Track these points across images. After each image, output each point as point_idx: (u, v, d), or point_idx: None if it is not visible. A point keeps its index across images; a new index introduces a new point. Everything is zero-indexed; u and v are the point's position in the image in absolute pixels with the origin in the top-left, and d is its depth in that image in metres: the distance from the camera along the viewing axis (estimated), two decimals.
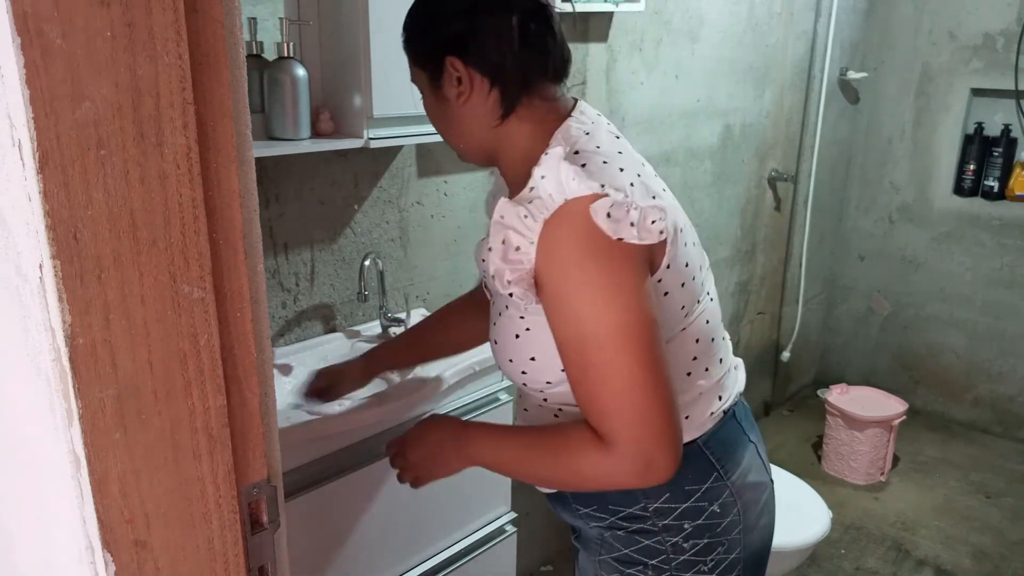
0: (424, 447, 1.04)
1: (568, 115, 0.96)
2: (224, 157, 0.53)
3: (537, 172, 0.88)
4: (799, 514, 1.95)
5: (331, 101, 1.43)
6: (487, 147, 0.99)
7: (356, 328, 1.62)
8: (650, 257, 0.88)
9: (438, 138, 1.52)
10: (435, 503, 1.48)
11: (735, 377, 1.07)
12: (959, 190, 3.05)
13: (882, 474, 2.81)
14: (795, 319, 3.18)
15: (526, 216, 0.85)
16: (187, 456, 0.54)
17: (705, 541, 1.00)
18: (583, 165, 0.87)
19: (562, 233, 0.84)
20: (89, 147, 0.46)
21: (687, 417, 0.97)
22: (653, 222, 0.85)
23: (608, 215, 0.82)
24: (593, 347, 0.84)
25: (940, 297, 3.21)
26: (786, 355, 3.18)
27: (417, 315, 1.72)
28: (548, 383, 0.96)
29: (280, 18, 1.33)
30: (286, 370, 1.46)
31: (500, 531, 1.63)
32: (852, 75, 3.04)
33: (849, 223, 3.39)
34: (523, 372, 0.97)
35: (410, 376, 1.43)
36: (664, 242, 0.88)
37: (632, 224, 0.83)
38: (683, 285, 0.93)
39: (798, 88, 2.89)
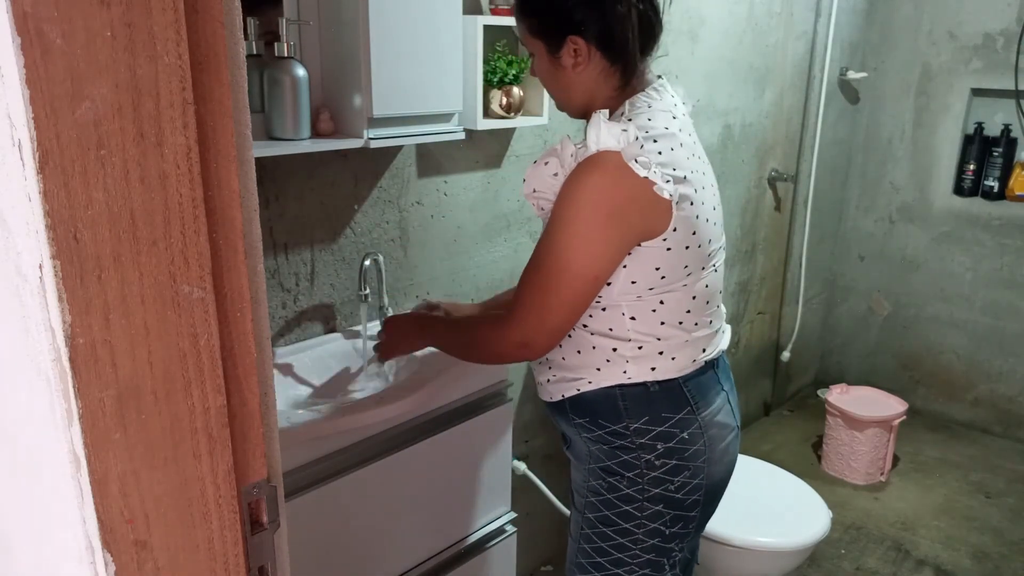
0: (400, 326, 1.33)
1: (644, 88, 1.17)
2: (224, 157, 0.53)
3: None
4: (799, 514, 1.95)
5: (331, 101, 1.43)
6: (584, 105, 1.19)
7: (356, 328, 1.62)
8: (652, 224, 1.08)
9: (438, 138, 1.53)
10: (435, 503, 1.48)
11: (721, 339, 1.27)
12: (959, 190, 3.05)
13: (882, 474, 2.81)
14: (795, 319, 3.18)
15: (572, 155, 1.08)
16: (187, 456, 0.54)
17: (673, 462, 1.20)
18: (624, 131, 1.05)
19: (584, 171, 1.06)
20: (89, 147, 0.46)
21: (673, 358, 1.18)
22: (667, 181, 1.05)
23: (636, 160, 1.04)
24: (539, 256, 1.10)
25: (940, 297, 3.21)
26: (786, 355, 3.18)
27: None
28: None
29: (280, 18, 1.33)
30: (286, 370, 1.46)
31: (500, 531, 1.63)
32: (852, 75, 3.04)
33: (849, 223, 3.39)
34: None
35: (410, 376, 1.43)
36: (670, 209, 1.07)
37: (637, 162, 1.04)
38: (687, 248, 1.12)
39: (798, 88, 2.89)
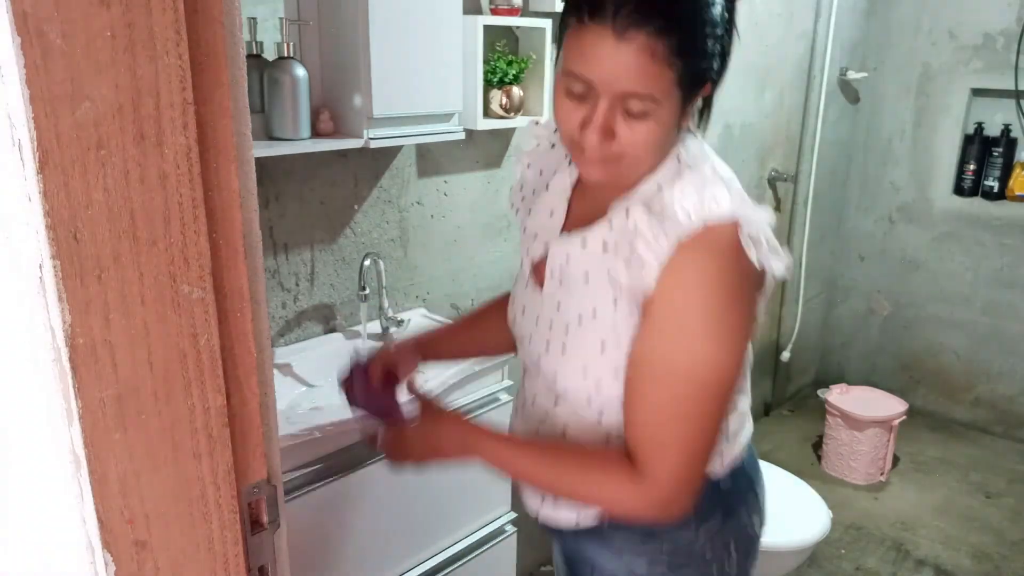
0: (427, 438, 0.98)
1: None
2: (224, 157, 0.53)
3: (659, 180, 0.84)
4: (799, 514, 1.95)
5: (331, 101, 1.43)
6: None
7: (356, 328, 1.62)
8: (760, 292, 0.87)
9: (438, 138, 1.53)
10: (435, 503, 1.48)
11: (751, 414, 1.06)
12: (959, 190, 3.05)
13: (882, 474, 2.81)
14: (795, 319, 3.18)
15: (659, 236, 0.80)
16: (187, 456, 0.54)
17: (737, 555, 0.99)
18: (718, 187, 0.82)
19: (697, 257, 0.80)
20: (89, 147, 0.46)
21: (728, 443, 0.97)
22: (780, 252, 0.83)
23: (751, 242, 0.80)
24: (678, 377, 0.81)
25: (940, 297, 3.21)
26: (786, 355, 3.18)
27: (417, 315, 1.72)
28: (597, 393, 0.90)
29: (280, 18, 1.33)
30: (286, 370, 1.46)
31: (500, 531, 1.63)
32: (852, 75, 3.04)
33: (849, 223, 3.39)
34: (595, 386, 0.90)
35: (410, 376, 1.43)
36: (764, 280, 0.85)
37: (770, 253, 0.81)
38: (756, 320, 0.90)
39: (798, 88, 2.89)
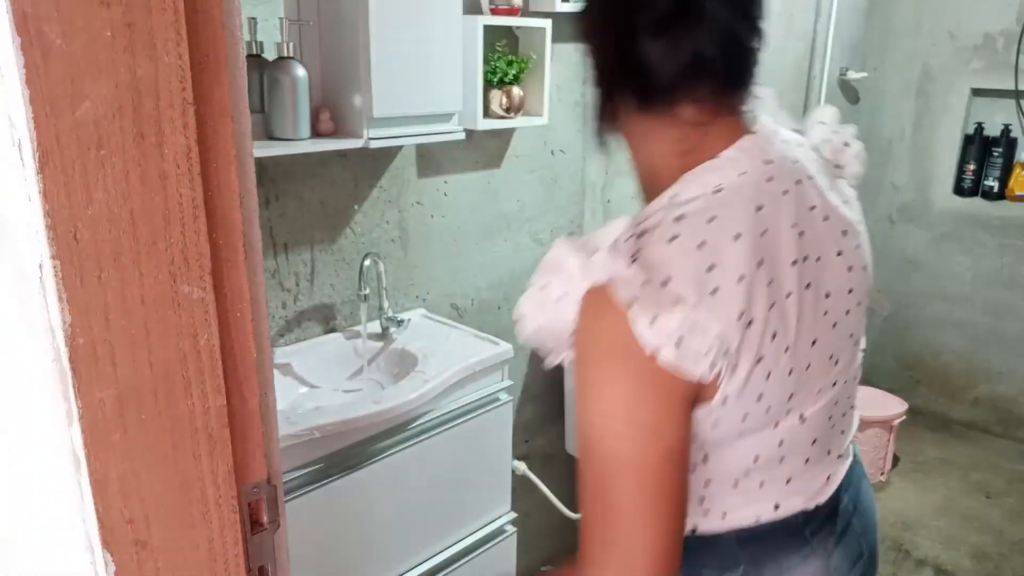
0: None
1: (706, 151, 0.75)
2: (224, 157, 0.53)
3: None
4: None
5: (331, 101, 1.43)
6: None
7: (356, 328, 1.62)
8: (701, 388, 0.70)
9: (438, 138, 1.53)
10: (435, 503, 1.48)
11: (811, 490, 0.87)
12: (959, 190, 3.05)
13: (882, 474, 2.81)
14: None
15: (581, 266, 0.70)
16: (187, 456, 0.54)
17: None
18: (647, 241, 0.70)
19: (587, 317, 0.70)
20: (89, 147, 0.46)
21: (724, 515, 0.84)
22: (704, 354, 0.67)
23: (652, 321, 0.66)
24: (587, 453, 0.72)
25: (940, 297, 3.21)
26: None
27: (417, 315, 1.72)
28: None
29: (280, 18, 1.33)
30: (286, 370, 1.46)
31: (500, 531, 1.63)
32: (852, 75, 3.04)
33: None
34: None
35: (410, 376, 1.43)
36: (716, 380, 0.70)
37: (675, 343, 0.66)
38: (744, 417, 0.74)
39: (798, 88, 2.88)
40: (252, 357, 0.57)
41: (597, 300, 0.69)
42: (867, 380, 3.29)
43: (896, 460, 2.91)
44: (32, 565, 0.64)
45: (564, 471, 2.28)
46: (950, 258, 3.16)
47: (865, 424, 2.74)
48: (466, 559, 1.55)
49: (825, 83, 2.89)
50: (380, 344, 1.60)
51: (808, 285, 0.75)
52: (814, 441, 0.83)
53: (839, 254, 0.79)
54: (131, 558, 0.53)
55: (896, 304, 3.32)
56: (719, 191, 0.72)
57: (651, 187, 0.77)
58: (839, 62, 2.99)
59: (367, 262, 1.53)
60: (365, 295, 1.53)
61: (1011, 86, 2.84)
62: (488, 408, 1.53)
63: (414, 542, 1.47)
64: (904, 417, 2.75)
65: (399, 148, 1.64)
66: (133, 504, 0.52)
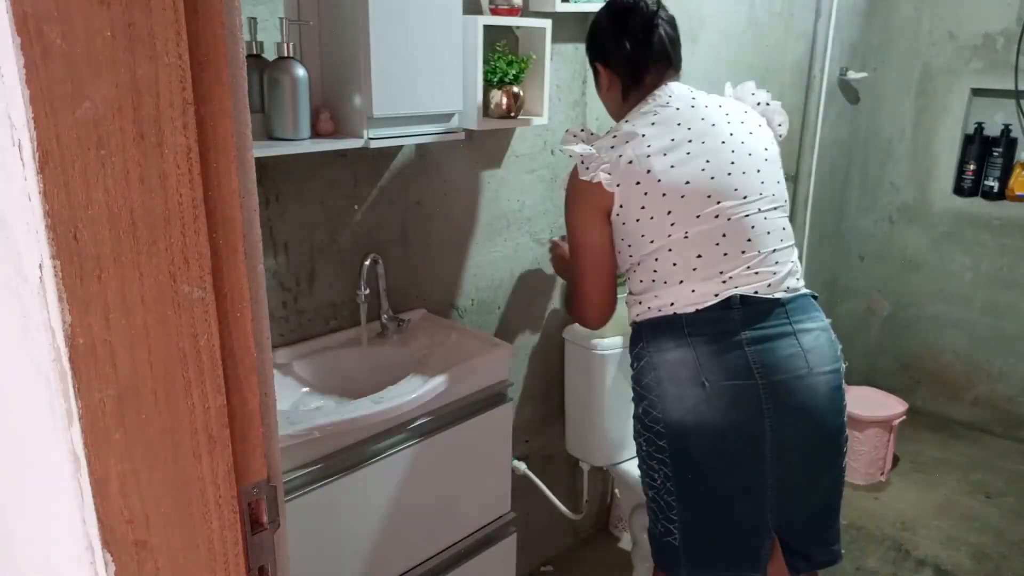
0: (557, 255, 1.88)
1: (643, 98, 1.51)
2: (224, 157, 0.53)
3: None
4: None
5: (331, 101, 1.43)
6: (615, 114, 1.58)
7: (356, 328, 1.62)
8: (606, 201, 1.42)
9: (438, 138, 1.53)
10: (435, 503, 1.48)
11: (699, 297, 1.40)
12: (959, 190, 3.05)
13: (882, 474, 2.81)
14: None
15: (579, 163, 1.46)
16: (187, 456, 0.54)
17: (638, 389, 1.46)
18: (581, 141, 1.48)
19: (568, 178, 1.50)
20: (89, 147, 0.46)
21: (641, 303, 1.46)
22: (593, 171, 1.42)
23: (581, 163, 1.44)
24: (572, 246, 1.53)
25: (940, 297, 3.21)
26: None
27: (417, 315, 1.72)
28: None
29: (280, 18, 1.33)
30: (286, 370, 1.46)
31: (500, 531, 1.63)
32: (852, 75, 3.04)
33: (849, 223, 3.39)
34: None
35: (410, 376, 1.43)
36: (611, 190, 1.41)
37: (586, 171, 1.43)
38: (637, 221, 1.41)
39: (798, 88, 2.89)
40: (252, 357, 0.57)
41: (573, 172, 1.47)
42: (867, 380, 3.29)
43: (896, 460, 2.91)
44: (32, 565, 0.64)
45: (564, 471, 2.28)
46: (950, 258, 3.16)
47: (865, 424, 2.74)
48: (466, 559, 1.55)
49: (825, 83, 2.89)
50: (380, 344, 1.60)
51: (688, 152, 1.41)
52: (699, 256, 1.40)
53: (723, 143, 1.44)
54: (131, 558, 0.53)
55: (896, 304, 3.32)
56: (644, 113, 1.48)
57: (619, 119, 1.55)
58: (839, 62, 2.99)
59: (367, 262, 1.53)
60: (365, 295, 1.53)
61: (1011, 86, 2.84)
62: (488, 408, 1.53)
63: (414, 542, 1.47)
64: (904, 417, 2.75)
65: (399, 148, 1.64)
66: (133, 504, 0.52)
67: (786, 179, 2.90)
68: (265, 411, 0.60)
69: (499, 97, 1.68)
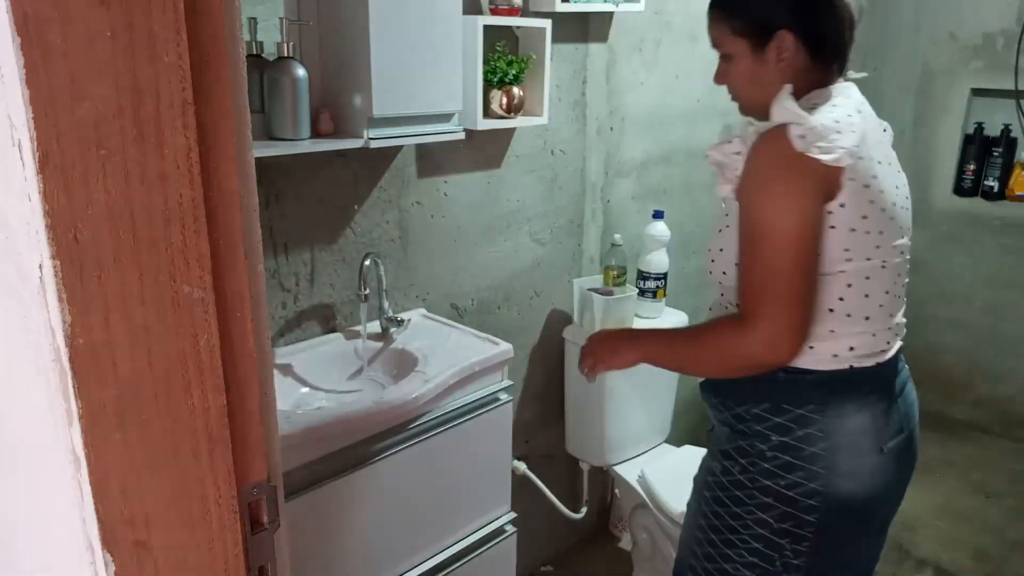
0: (606, 341, 1.31)
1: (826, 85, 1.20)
2: (224, 157, 0.53)
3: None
4: None
5: (331, 101, 1.43)
6: (769, 103, 1.15)
7: (356, 328, 1.62)
8: (828, 187, 1.06)
9: (438, 138, 1.53)
10: (435, 503, 1.48)
11: (877, 345, 1.16)
12: (959, 190, 3.05)
13: None
14: None
15: (754, 132, 1.10)
16: (187, 456, 0.54)
17: (786, 458, 1.15)
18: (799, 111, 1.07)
19: (761, 146, 1.08)
20: (89, 147, 0.46)
21: (812, 347, 1.12)
22: (835, 149, 1.03)
23: (801, 136, 1.03)
24: (759, 238, 1.06)
25: (940, 297, 3.20)
26: None
27: (417, 315, 1.72)
28: (724, 273, 1.19)
29: (280, 18, 1.33)
30: (286, 370, 1.46)
31: (500, 531, 1.63)
32: (852, 75, 3.02)
33: None
34: (712, 260, 1.22)
35: (410, 376, 1.43)
36: (841, 179, 1.06)
37: (818, 147, 1.03)
38: (852, 230, 1.08)
39: None
40: (252, 357, 0.57)
41: (769, 136, 1.07)
42: None
43: None
44: (32, 565, 0.64)
45: (564, 471, 2.28)
46: (950, 258, 3.16)
47: None
48: (466, 559, 1.55)
49: None
50: (380, 344, 1.60)
51: (890, 164, 1.18)
52: (886, 292, 1.14)
53: (891, 163, 1.20)
54: (131, 558, 0.53)
55: None
56: (835, 96, 1.17)
57: (747, 101, 1.24)
58: None
59: (367, 262, 1.54)
60: (365, 295, 1.53)
61: (1011, 86, 2.84)
62: (488, 408, 1.53)
63: (414, 542, 1.47)
64: None
65: (399, 148, 1.64)
66: (133, 504, 0.52)
67: None
68: (265, 411, 0.60)
69: (499, 97, 1.68)
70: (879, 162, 1.13)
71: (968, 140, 3.00)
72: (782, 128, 1.06)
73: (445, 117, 1.53)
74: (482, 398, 1.53)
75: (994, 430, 3.17)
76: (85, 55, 0.44)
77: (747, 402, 1.18)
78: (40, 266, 0.46)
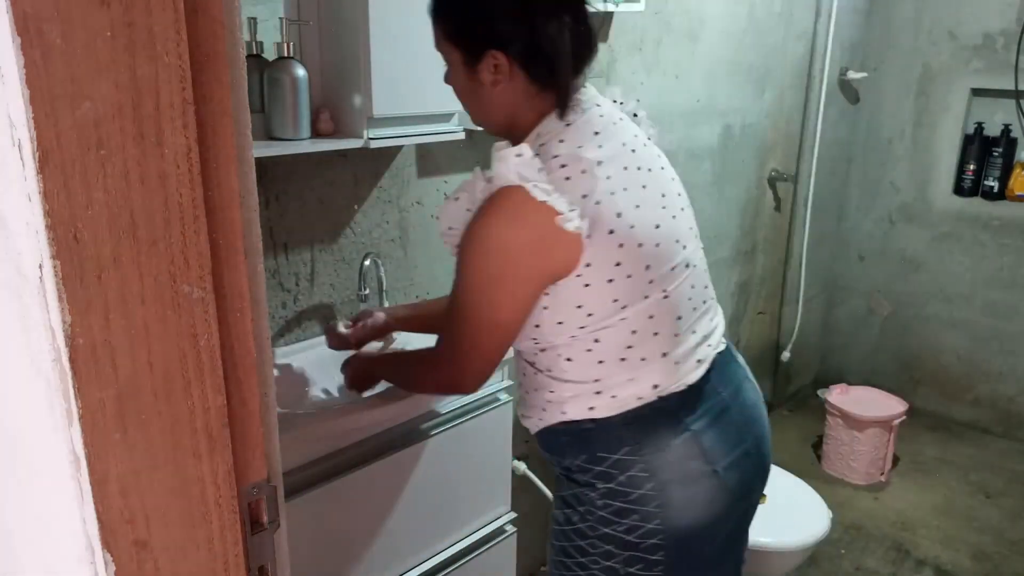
0: (353, 369, 1.33)
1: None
2: (224, 157, 0.53)
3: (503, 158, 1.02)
4: (799, 514, 1.95)
5: (331, 101, 1.43)
6: (504, 124, 1.11)
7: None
8: (563, 255, 1.00)
9: (438, 138, 1.53)
10: (435, 503, 1.48)
11: (684, 371, 1.12)
12: (959, 190, 3.05)
13: (882, 474, 2.81)
14: (795, 319, 3.18)
15: (481, 190, 1.02)
16: (187, 456, 0.54)
17: (617, 504, 1.11)
18: (519, 155, 0.99)
19: (482, 213, 1.01)
20: (89, 147, 0.46)
21: (613, 396, 1.09)
22: (572, 209, 0.98)
23: (536, 186, 0.98)
24: (458, 290, 1.04)
25: (940, 297, 3.21)
26: (786, 355, 3.18)
27: None
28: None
29: (280, 18, 1.33)
30: (286, 370, 1.46)
31: (500, 531, 1.63)
32: (852, 75, 3.04)
33: (849, 223, 3.39)
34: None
35: None
36: (580, 240, 0.99)
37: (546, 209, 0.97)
38: (610, 281, 1.03)
39: (798, 88, 2.89)
40: (252, 357, 0.57)
41: (494, 198, 0.99)
42: (867, 380, 3.29)
43: (896, 460, 2.91)
44: (32, 565, 0.64)
45: None
46: (950, 258, 3.16)
47: (865, 424, 2.74)
48: (466, 559, 1.55)
49: (825, 83, 2.89)
50: (380, 344, 1.60)
51: (644, 185, 1.06)
52: (679, 317, 1.10)
53: (662, 168, 1.12)
54: (131, 558, 0.53)
55: (896, 304, 3.32)
56: (568, 125, 1.05)
57: (508, 129, 1.11)
58: (839, 62, 2.99)
59: (367, 262, 1.53)
60: (365, 295, 1.53)
61: (1011, 86, 2.84)
62: (488, 408, 1.53)
63: (414, 542, 1.47)
64: (904, 417, 2.75)
65: (399, 148, 1.64)
66: (133, 504, 0.52)
67: (786, 179, 2.93)
68: (265, 411, 0.60)
69: None
70: (625, 189, 1.03)
71: (968, 140, 3.00)
72: (506, 190, 0.98)
73: (445, 117, 1.53)
74: (482, 398, 1.53)
75: (994, 430, 3.17)
76: (85, 55, 0.44)
77: (568, 455, 1.15)
78: (40, 266, 0.46)
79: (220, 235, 0.53)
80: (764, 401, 1.27)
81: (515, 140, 1.08)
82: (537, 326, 1.07)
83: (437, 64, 1.48)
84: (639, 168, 1.07)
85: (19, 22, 0.42)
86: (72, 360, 0.47)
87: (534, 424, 1.19)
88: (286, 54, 1.31)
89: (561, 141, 1.02)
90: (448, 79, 1.13)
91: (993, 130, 2.94)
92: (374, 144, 1.41)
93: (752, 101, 2.66)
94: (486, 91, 1.07)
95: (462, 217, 1.04)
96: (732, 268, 2.84)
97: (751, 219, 2.86)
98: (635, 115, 1.21)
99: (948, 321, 3.20)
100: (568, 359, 1.09)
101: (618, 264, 1.02)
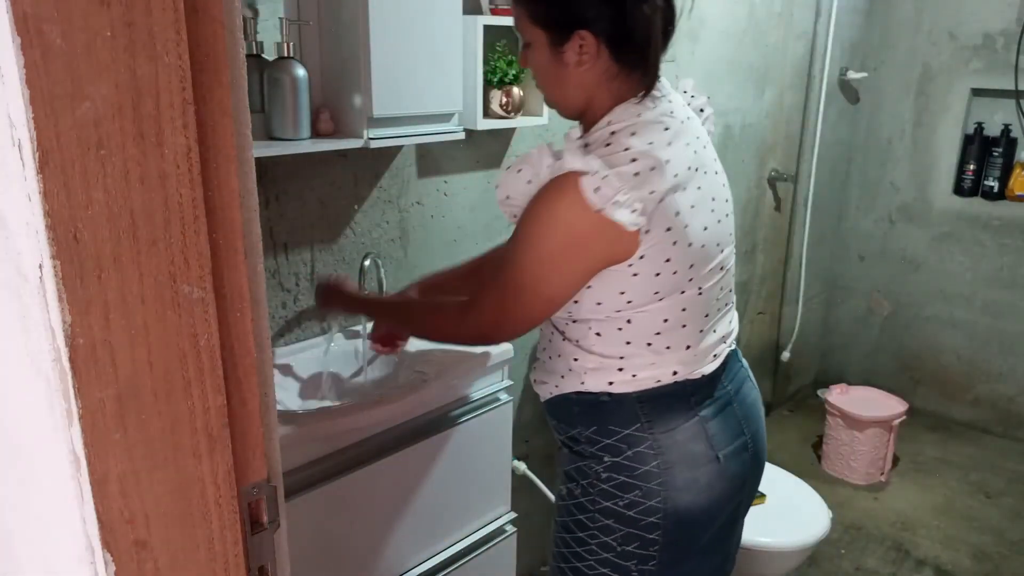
0: (326, 297, 1.38)
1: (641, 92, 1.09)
2: (224, 157, 0.53)
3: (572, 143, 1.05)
4: (799, 514, 1.95)
5: (331, 101, 1.43)
6: (580, 107, 1.12)
7: (356, 328, 1.62)
8: (622, 246, 1.03)
9: (438, 138, 1.53)
10: (435, 503, 1.48)
11: (701, 362, 1.17)
12: (959, 190, 3.05)
13: (882, 474, 2.81)
14: (795, 319, 3.18)
15: (548, 167, 1.04)
16: (187, 456, 0.54)
17: (621, 478, 1.15)
18: (606, 145, 1.02)
19: (549, 191, 1.03)
20: (89, 147, 0.46)
21: (634, 375, 1.13)
22: (633, 211, 0.99)
23: (596, 189, 0.98)
24: (514, 256, 1.05)
25: (940, 297, 3.21)
26: (786, 355, 3.18)
27: None
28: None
29: (280, 18, 1.33)
30: (286, 370, 1.46)
31: (500, 531, 1.63)
32: (852, 75, 3.04)
33: (849, 223, 3.39)
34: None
35: (410, 376, 1.43)
36: (638, 235, 1.02)
37: (614, 203, 0.98)
38: (657, 275, 1.06)
39: (798, 88, 2.89)
40: (252, 357, 0.57)
41: (561, 181, 1.01)
42: (867, 380, 3.29)
43: (896, 460, 2.91)
44: (32, 565, 0.64)
45: None
46: (950, 258, 3.16)
47: (865, 424, 2.74)
48: (466, 559, 1.55)
49: (825, 83, 2.89)
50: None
51: (700, 187, 1.09)
52: (707, 315, 1.15)
53: (716, 173, 1.15)
54: (131, 558, 0.53)
55: (896, 304, 3.32)
56: (639, 116, 1.06)
57: (582, 112, 1.12)
58: (839, 62, 2.99)
59: (367, 262, 1.53)
60: (365, 295, 1.53)
61: (1011, 86, 2.84)
62: (488, 408, 1.53)
63: (414, 542, 1.47)
64: (904, 417, 2.75)
65: (399, 148, 1.64)
66: (133, 504, 0.52)
67: (786, 179, 2.93)
68: (265, 411, 0.60)
69: (499, 97, 1.68)
70: (684, 189, 1.06)
71: (968, 140, 3.00)
72: (574, 176, 0.99)
73: (445, 117, 1.53)
74: (482, 398, 1.53)
75: (994, 430, 3.17)
76: (85, 55, 0.44)
77: (577, 425, 1.18)
78: (40, 266, 0.46)
79: (220, 235, 0.53)
80: (763, 401, 1.30)
81: (587, 124, 1.10)
82: (576, 302, 1.10)
83: (437, 64, 1.48)
84: (697, 170, 1.09)
85: (19, 22, 0.42)
86: (72, 360, 0.47)
87: (549, 390, 1.21)
88: (286, 54, 1.31)
89: (633, 134, 1.03)
90: (525, 61, 1.15)
91: (993, 130, 2.95)
92: (374, 144, 1.41)
93: (752, 101, 2.66)
94: (569, 72, 1.08)
95: (522, 189, 1.07)
96: None
97: (751, 219, 2.86)
98: (701, 110, 1.23)
99: (948, 321, 3.20)
100: (598, 333, 1.12)
101: (667, 260, 1.06)
